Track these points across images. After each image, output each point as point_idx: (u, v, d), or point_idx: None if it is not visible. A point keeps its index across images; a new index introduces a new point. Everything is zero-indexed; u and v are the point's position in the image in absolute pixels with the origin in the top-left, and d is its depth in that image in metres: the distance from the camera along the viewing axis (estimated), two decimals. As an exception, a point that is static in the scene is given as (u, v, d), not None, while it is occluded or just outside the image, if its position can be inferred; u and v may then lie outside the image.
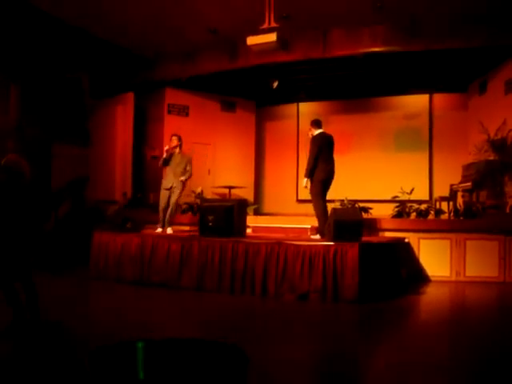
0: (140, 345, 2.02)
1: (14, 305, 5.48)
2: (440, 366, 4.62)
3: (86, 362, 1.82)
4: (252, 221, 11.29)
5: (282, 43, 9.69)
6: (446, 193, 11.78)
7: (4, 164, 5.56)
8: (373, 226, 10.11)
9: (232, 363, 2.00)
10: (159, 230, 10.19)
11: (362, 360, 4.99)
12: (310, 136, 9.44)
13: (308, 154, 9.31)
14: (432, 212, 10.49)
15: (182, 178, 10.09)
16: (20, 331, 5.40)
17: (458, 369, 4.52)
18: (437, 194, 12.96)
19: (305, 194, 15.69)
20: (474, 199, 10.71)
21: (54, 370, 4.30)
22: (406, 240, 9.92)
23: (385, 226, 10.21)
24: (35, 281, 5.56)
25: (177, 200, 10.22)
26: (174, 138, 10.50)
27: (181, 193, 10.29)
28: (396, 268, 8.90)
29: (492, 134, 11.13)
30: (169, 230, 10.17)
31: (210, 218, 9.15)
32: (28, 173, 5.64)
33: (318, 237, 9.08)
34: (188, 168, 10.24)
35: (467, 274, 9.63)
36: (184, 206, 12.50)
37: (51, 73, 13.19)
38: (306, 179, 9.35)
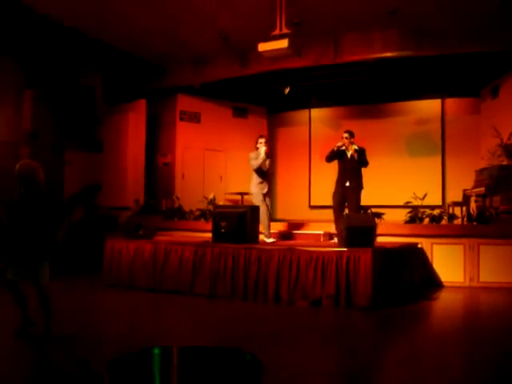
0: (156, 352, 2.02)
1: (22, 307, 5.56)
2: (454, 374, 4.59)
3: (104, 372, 1.83)
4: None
5: (294, 49, 9.70)
6: (459, 198, 11.72)
7: (17, 173, 5.55)
8: (386, 231, 10.07)
9: (247, 371, 1.99)
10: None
11: (376, 367, 4.97)
12: (354, 145, 9.72)
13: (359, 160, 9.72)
14: (445, 217, 10.44)
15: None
16: (25, 337, 5.46)
17: (471, 377, 4.49)
18: (450, 199, 12.90)
19: (317, 200, 15.77)
20: (488, 204, 10.65)
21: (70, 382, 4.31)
22: (419, 245, 9.87)
23: (398, 231, 10.17)
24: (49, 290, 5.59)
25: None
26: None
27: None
28: (409, 273, 8.87)
29: (505, 139, 11.06)
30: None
31: (223, 224, 9.15)
32: (42, 179, 5.62)
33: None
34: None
35: (481, 279, 9.56)
36: (196, 213, 12.52)
37: (64, 79, 13.27)
38: None
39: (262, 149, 10.07)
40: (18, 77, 12.10)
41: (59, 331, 5.62)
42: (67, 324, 6.18)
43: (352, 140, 9.75)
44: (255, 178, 10.15)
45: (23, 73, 12.14)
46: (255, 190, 10.12)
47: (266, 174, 10.24)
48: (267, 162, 10.15)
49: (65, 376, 4.44)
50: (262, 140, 10.27)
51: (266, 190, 10.16)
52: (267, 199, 10.19)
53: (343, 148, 9.70)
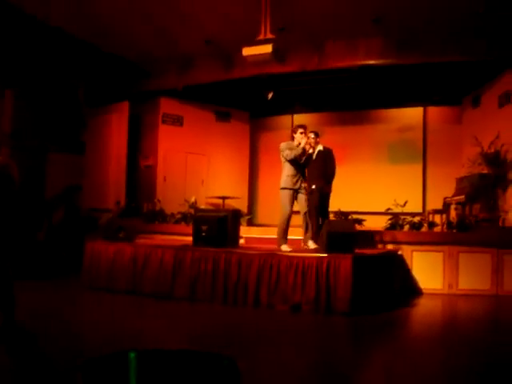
0: (132, 355, 2.01)
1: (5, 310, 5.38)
2: (432, 380, 4.61)
3: (77, 374, 1.81)
4: (245, 231, 11.29)
5: (278, 55, 9.73)
6: (440, 205, 11.81)
7: None
8: (366, 238, 10.11)
9: (225, 376, 1.99)
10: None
11: (354, 372, 4.98)
12: (317, 147, 9.54)
13: (325, 164, 9.43)
14: (425, 224, 10.50)
15: None
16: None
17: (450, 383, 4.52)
18: (430, 206, 13.00)
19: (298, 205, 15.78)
20: (468, 212, 10.74)
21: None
22: (399, 252, 9.91)
23: (378, 238, 10.22)
24: (24, 288, 5.48)
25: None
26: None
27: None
28: (389, 280, 8.89)
29: (485, 148, 11.17)
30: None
31: (204, 228, 9.12)
32: (16, 176, 5.47)
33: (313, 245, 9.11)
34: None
35: (460, 286, 9.63)
36: (178, 216, 12.50)
37: (47, 80, 13.19)
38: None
39: (303, 140, 9.24)
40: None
41: (35, 332, 5.57)
42: (43, 325, 6.13)
43: (318, 140, 9.63)
44: (287, 170, 9.36)
45: (3, 73, 12.04)
46: (286, 183, 9.33)
47: (301, 166, 9.36)
48: (303, 158, 9.31)
49: (39, 377, 4.39)
50: (302, 130, 9.36)
51: (298, 185, 9.30)
52: (300, 196, 9.33)
53: (310, 150, 9.45)
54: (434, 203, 12.59)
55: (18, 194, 5.48)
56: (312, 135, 9.53)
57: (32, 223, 5.52)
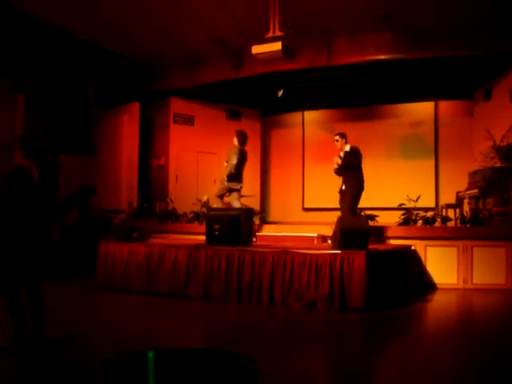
0: (151, 355, 2.02)
1: (16, 314, 5.27)
2: (448, 375, 4.60)
3: (97, 374, 1.82)
4: (258, 229, 11.30)
5: (287, 52, 9.70)
6: (453, 200, 11.74)
7: (17, 167, 5.49)
8: (379, 233, 10.08)
9: (243, 375, 1.99)
10: None
11: (371, 369, 4.98)
12: (344, 147, 9.98)
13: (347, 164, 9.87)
14: (438, 219, 10.45)
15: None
16: (22, 345, 5.20)
17: (466, 380, 4.50)
18: (443, 201, 12.93)
19: (311, 202, 15.79)
20: (481, 206, 10.67)
21: None
22: (413, 247, 9.88)
23: (391, 233, 10.18)
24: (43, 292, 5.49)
25: None
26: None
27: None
28: (403, 276, 8.88)
29: (498, 141, 11.09)
30: None
31: (217, 226, 9.14)
32: (37, 179, 5.57)
33: None
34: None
35: (474, 281, 9.59)
36: (190, 215, 12.51)
37: (57, 83, 13.26)
38: None
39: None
40: (9, 81, 12.07)
41: (53, 334, 5.59)
42: (61, 327, 6.16)
43: (344, 141, 9.94)
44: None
45: (15, 77, 12.11)
46: None
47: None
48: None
49: (59, 378, 4.42)
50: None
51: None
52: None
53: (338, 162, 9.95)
54: (447, 198, 12.53)
55: (39, 194, 5.54)
56: (336, 138, 10.06)
57: (48, 223, 5.51)
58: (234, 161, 10.52)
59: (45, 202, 5.57)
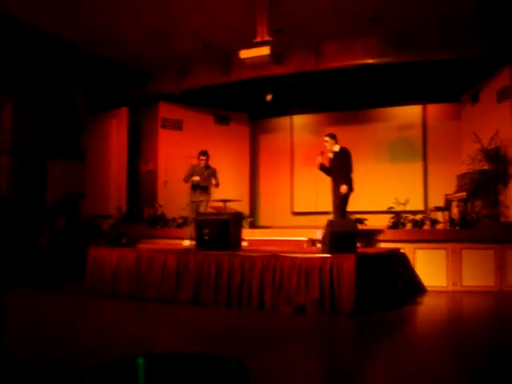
0: (141, 360, 2.01)
1: None
2: (438, 376, 4.61)
3: (86, 380, 1.81)
4: (248, 234, 11.29)
5: (275, 56, 9.74)
6: (441, 203, 11.80)
7: None
8: (369, 237, 10.11)
9: (233, 379, 1.99)
10: (187, 242, 10.74)
11: (360, 373, 4.98)
12: (333, 149, 9.98)
13: (340, 166, 9.87)
14: (427, 222, 10.50)
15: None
16: None
17: (455, 379, 4.51)
18: (432, 204, 12.97)
19: (300, 206, 15.80)
20: (469, 209, 10.73)
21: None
22: (402, 251, 9.91)
23: (380, 237, 10.21)
24: (26, 295, 5.36)
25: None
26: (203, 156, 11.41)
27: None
28: (392, 279, 8.90)
29: (485, 144, 11.16)
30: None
31: (206, 231, 9.14)
32: (4, 184, 5.39)
33: None
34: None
35: (464, 283, 9.63)
36: (179, 220, 12.49)
37: (45, 88, 13.21)
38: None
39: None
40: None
41: (41, 340, 5.56)
42: (49, 332, 6.12)
43: (333, 142, 9.96)
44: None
45: (2, 82, 12.04)
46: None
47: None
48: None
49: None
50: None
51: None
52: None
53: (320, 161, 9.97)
54: (436, 201, 12.58)
55: (5, 202, 5.42)
56: (325, 138, 10.05)
57: (33, 230, 5.45)
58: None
59: (11, 214, 5.46)
